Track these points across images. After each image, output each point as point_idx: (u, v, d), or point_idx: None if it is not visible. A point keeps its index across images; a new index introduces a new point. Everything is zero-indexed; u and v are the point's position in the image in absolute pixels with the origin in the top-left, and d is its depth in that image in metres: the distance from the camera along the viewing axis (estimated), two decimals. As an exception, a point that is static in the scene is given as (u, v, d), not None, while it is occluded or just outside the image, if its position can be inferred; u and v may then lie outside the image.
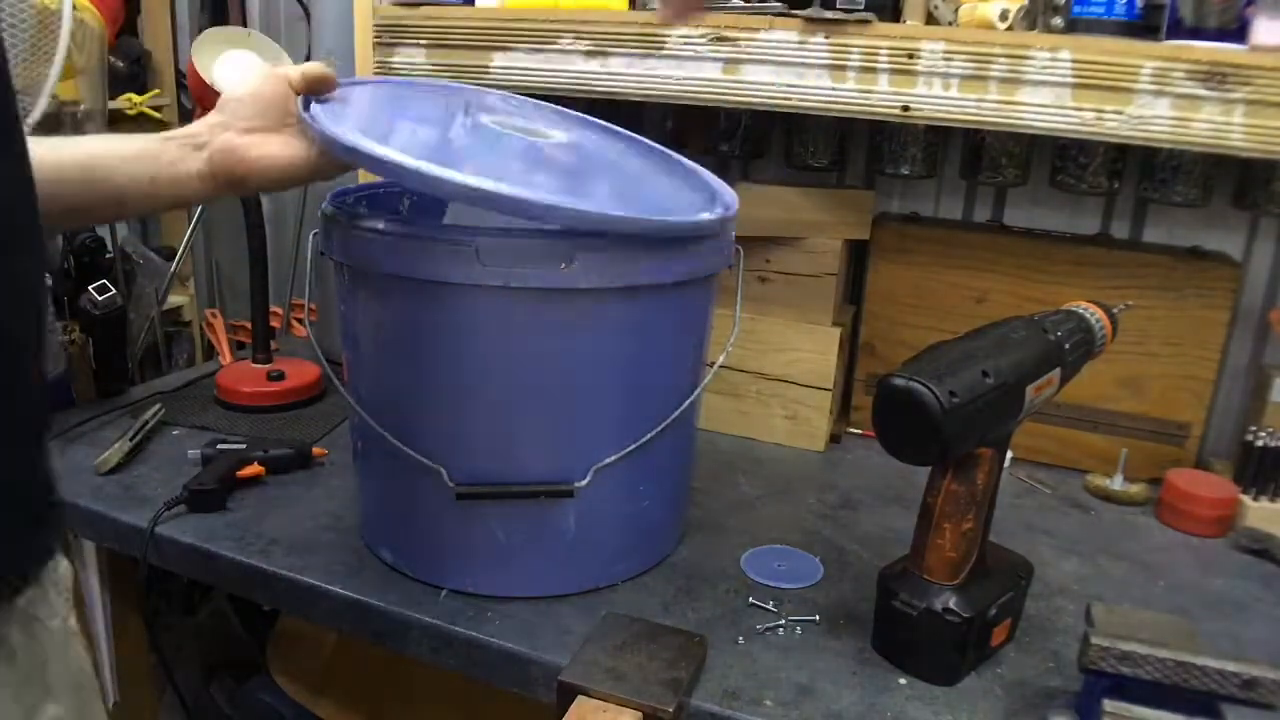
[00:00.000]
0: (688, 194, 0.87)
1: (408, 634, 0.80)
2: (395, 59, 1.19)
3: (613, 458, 0.79)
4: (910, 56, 0.96)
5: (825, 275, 1.15)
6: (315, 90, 0.76)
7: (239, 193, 0.73)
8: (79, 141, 0.72)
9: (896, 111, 0.98)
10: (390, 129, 0.80)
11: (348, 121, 0.73)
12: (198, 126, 0.72)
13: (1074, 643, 0.69)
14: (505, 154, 0.82)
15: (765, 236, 1.14)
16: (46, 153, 0.67)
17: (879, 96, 0.98)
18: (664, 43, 1.05)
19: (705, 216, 0.79)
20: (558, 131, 0.89)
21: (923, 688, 0.73)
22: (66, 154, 0.68)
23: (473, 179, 0.67)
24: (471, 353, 0.77)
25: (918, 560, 0.74)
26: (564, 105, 1.10)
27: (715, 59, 1.04)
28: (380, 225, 0.75)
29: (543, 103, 0.99)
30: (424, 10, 1.17)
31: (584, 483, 0.79)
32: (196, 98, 1.47)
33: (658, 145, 0.98)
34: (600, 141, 0.93)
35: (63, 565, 0.57)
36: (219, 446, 1.04)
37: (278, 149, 0.72)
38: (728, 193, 0.88)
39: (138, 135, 0.72)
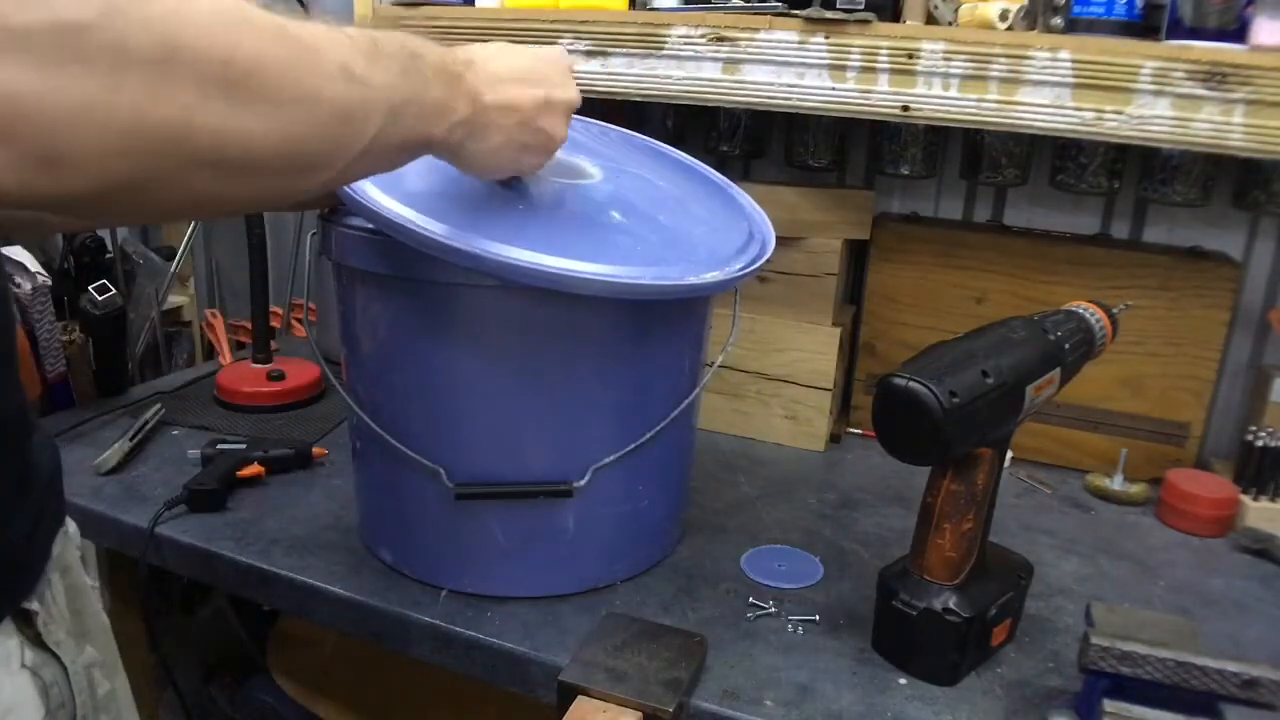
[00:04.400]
0: (723, 230, 0.85)
1: (408, 634, 0.80)
2: (395, 59, 1.19)
3: (612, 458, 0.79)
4: (910, 56, 0.96)
5: (825, 275, 1.15)
6: None
7: None
8: None
9: (896, 111, 0.98)
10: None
11: None
12: None
13: (1074, 643, 0.69)
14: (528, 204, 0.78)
15: (765, 236, 1.14)
16: None
17: (879, 96, 0.98)
18: (664, 43, 1.05)
19: (728, 271, 0.78)
20: (594, 167, 0.86)
21: (923, 688, 0.73)
22: None
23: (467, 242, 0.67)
24: (471, 353, 0.77)
25: (918, 560, 0.74)
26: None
27: (715, 59, 1.04)
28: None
29: (590, 122, 0.99)
30: (424, 10, 1.17)
31: (583, 483, 0.79)
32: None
33: (698, 166, 0.98)
34: (638, 175, 0.90)
35: (71, 525, 0.63)
36: (219, 446, 1.04)
37: None
38: (765, 226, 0.87)
39: None
